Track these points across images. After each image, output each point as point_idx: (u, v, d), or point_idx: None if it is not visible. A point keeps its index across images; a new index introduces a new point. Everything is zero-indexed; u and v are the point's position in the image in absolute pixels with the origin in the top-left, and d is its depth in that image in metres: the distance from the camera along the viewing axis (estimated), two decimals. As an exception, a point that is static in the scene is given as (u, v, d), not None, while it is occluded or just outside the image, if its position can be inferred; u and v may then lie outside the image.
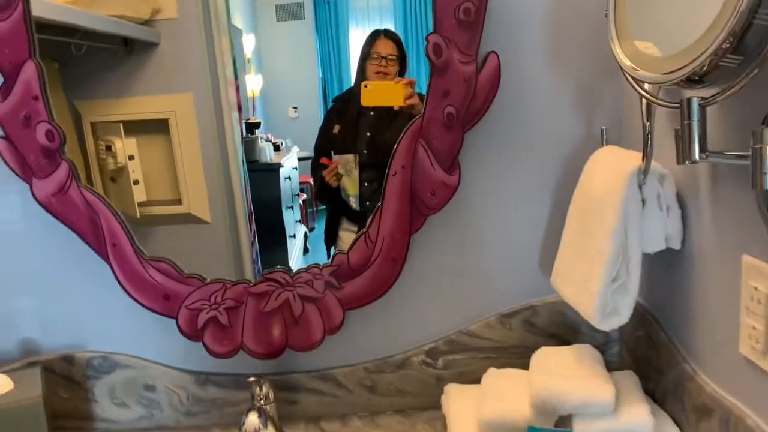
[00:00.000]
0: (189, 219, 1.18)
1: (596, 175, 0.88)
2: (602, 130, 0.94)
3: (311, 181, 1.33)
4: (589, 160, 0.92)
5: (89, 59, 1.08)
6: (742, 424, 0.70)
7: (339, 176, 1.14)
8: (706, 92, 0.63)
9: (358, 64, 1.11)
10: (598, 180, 0.87)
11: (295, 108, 1.36)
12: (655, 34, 0.70)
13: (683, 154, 0.66)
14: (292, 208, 1.36)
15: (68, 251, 1.02)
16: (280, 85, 1.37)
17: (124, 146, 1.18)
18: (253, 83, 1.33)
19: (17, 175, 0.97)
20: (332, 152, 1.15)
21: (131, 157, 1.20)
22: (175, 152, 1.20)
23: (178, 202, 1.21)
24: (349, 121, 1.13)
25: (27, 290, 1.06)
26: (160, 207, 1.15)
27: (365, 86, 1.07)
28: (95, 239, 0.99)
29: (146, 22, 1.16)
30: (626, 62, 0.71)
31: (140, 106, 1.19)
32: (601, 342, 1.05)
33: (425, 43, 0.94)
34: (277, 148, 1.33)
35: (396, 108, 1.05)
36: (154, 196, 1.15)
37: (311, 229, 1.39)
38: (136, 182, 1.18)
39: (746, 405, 0.71)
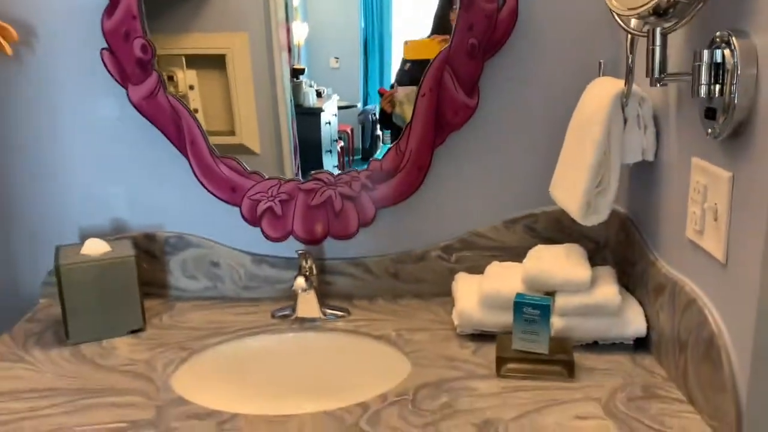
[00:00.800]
0: (240, 149, 1.32)
1: (589, 98, 1.06)
2: (600, 63, 1.11)
3: (348, 129, 1.46)
4: (587, 87, 1.11)
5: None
6: (682, 292, 0.90)
7: (393, 104, 1.29)
8: (669, 24, 0.81)
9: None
10: (590, 102, 1.05)
11: (337, 58, 1.43)
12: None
13: (650, 76, 0.85)
14: (330, 152, 1.45)
15: (154, 147, 1.24)
16: (323, 34, 1.43)
17: (185, 77, 1.32)
18: (299, 31, 1.40)
19: (117, 81, 1.19)
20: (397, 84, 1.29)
21: (191, 87, 1.33)
22: (230, 86, 1.32)
23: (232, 133, 1.34)
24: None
25: (120, 179, 1.28)
26: (215, 137, 1.28)
27: (406, 43, 1.25)
28: (177, 138, 1.22)
29: None
30: (612, 2, 0.89)
31: (200, 42, 1.31)
32: (591, 248, 1.24)
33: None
34: (319, 94, 1.42)
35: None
36: (211, 126, 1.27)
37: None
38: (195, 110, 1.32)
39: (687, 276, 0.91)
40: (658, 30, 0.81)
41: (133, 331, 1.18)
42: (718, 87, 0.75)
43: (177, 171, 1.25)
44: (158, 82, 1.19)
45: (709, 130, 0.78)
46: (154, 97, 1.19)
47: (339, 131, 1.45)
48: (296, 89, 1.39)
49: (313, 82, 1.41)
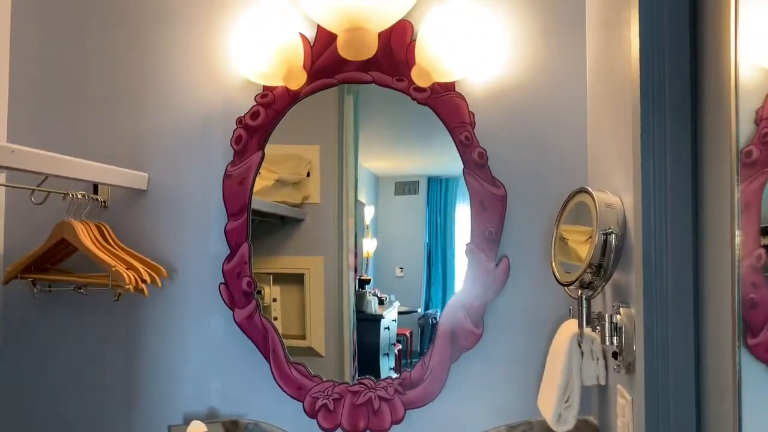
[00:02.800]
0: (309, 352, 1.64)
1: (558, 335, 1.46)
2: (570, 309, 1.52)
3: (408, 333, 1.71)
4: (561, 326, 1.51)
5: (257, 227, 1.65)
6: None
7: None
8: (590, 293, 1.24)
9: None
10: (559, 338, 1.45)
11: (402, 268, 1.68)
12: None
13: (582, 328, 1.26)
14: (387, 355, 1.68)
15: (246, 354, 1.69)
16: (391, 247, 1.67)
17: (271, 291, 1.74)
18: (369, 245, 1.68)
19: (227, 305, 1.69)
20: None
21: (275, 299, 1.74)
22: (305, 299, 1.68)
23: (303, 337, 1.67)
24: None
25: (219, 376, 1.73)
26: (289, 340, 1.61)
27: None
28: (264, 347, 1.67)
29: (298, 205, 1.74)
30: (557, 275, 1.33)
31: (286, 263, 1.70)
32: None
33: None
34: (381, 302, 1.65)
35: None
36: (287, 331, 1.62)
37: (404, 379, 1.67)
38: (275, 318, 1.73)
39: None
40: (583, 296, 1.24)
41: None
42: (616, 338, 1.15)
43: (260, 372, 1.68)
44: (255, 307, 1.68)
45: (614, 367, 1.17)
46: (251, 318, 1.68)
47: (398, 334, 1.65)
48: (360, 298, 1.66)
49: (377, 290, 1.65)
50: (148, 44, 1.79)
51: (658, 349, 1.01)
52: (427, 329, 1.69)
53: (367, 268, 1.67)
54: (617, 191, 1.24)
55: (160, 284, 1.64)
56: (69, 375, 1.77)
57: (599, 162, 1.45)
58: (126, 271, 1.55)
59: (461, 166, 1.60)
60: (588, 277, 1.20)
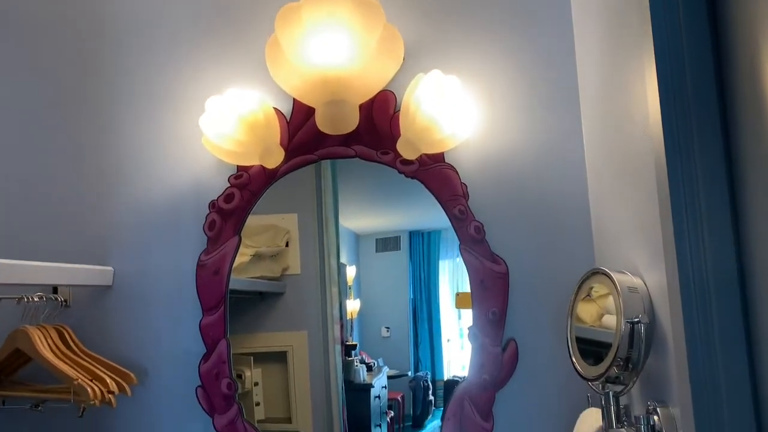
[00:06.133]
0: None
1: (580, 430, 1.31)
2: (588, 397, 1.38)
3: (399, 397, 1.58)
4: (580, 416, 1.36)
5: (234, 304, 1.50)
6: None
7: None
8: (619, 388, 1.10)
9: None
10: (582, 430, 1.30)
11: (387, 328, 1.62)
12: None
13: (607, 424, 1.11)
14: (380, 426, 1.58)
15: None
16: (375, 307, 1.63)
17: (252, 375, 1.60)
18: (352, 306, 1.62)
19: (205, 411, 1.51)
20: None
21: (256, 384, 1.63)
22: (289, 378, 1.56)
23: (288, 420, 1.54)
24: None
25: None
26: (273, 424, 1.48)
27: (457, 295, 1.54)
28: (249, 457, 1.50)
29: (277, 278, 1.61)
30: (579, 369, 1.19)
31: (267, 341, 1.58)
32: None
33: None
34: (369, 368, 1.57)
35: None
36: (270, 414, 1.48)
37: (398, 448, 1.60)
38: (257, 404, 1.58)
39: None
40: (611, 393, 1.10)
41: None
42: (655, 444, 1.00)
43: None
44: (238, 412, 1.50)
45: (657, 477, 1.02)
46: (234, 425, 1.50)
47: (389, 399, 1.57)
48: (348, 367, 1.57)
49: (364, 356, 1.57)
50: (112, 124, 1.65)
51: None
52: (419, 392, 1.60)
53: (351, 331, 1.61)
54: (637, 271, 1.11)
55: (129, 393, 1.46)
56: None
57: (609, 237, 1.33)
58: (90, 382, 1.37)
59: (443, 219, 1.48)
60: (615, 372, 1.06)
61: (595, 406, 1.35)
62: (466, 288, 1.47)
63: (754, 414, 0.87)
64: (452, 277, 1.65)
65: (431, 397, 1.58)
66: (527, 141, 1.53)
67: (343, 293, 1.59)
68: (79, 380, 1.35)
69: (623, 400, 1.13)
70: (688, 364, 0.89)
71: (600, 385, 1.13)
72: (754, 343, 0.87)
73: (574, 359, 1.20)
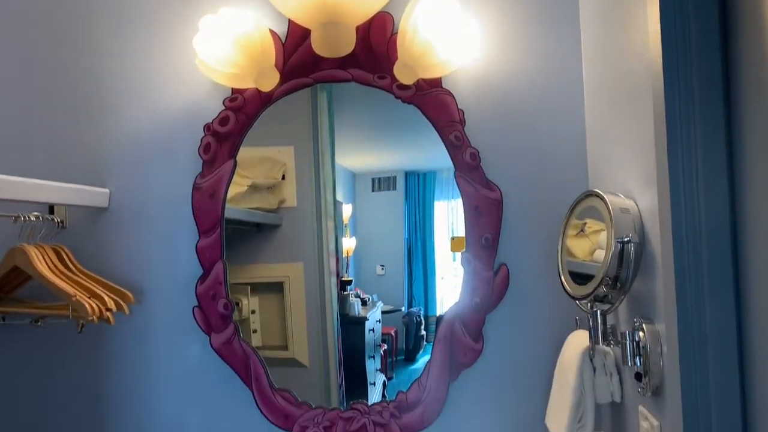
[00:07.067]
0: (292, 363, 1.54)
1: (567, 349, 1.35)
2: (576, 319, 1.41)
3: (392, 332, 1.62)
4: (567, 337, 1.39)
5: (232, 235, 1.52)
6: None
7: None
8: (606, 307, 1.12)
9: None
10: (568, 352, 1.34)
11: (382, 266, 1.63)
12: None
13: (591, 341, 1.14)
14: (373, 357, 1.60)
15: (227, 382, 1.55)
16: (370, 245, 1.62)
17: (249, 303, 1.61)
18: (348, 244, 1.63)
19: (203, 330, 1.54)
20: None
21: (253, 311, 1.62)
22: (286, 308, 1.57)
23: (285, 348, 1.56)
24: None
25: (196, 407, 1.58)
26: (270, 351, 1.50)
27: (453, 239, 1.54)
28: (245, 375, 1.53)
29: (274, 210, 1.61)
30: (568, 288, 1.22)
31: (264, 272, 1.59)
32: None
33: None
34: (364, 303, 1.59)
35: None
36: (267, 342, 1.51)
37: (389, 378, 1.63)
38: (254, 331, 1.60)
39: None
40: (598, 311, 1.13)
41: None
42: (639, 358, 1.03)
43: (242, 401, 1.54)
44: (234, 331, 1.54)
45: (639, 390, 1.05)
46: (230, 344, 1.53)
47: (383, 334, 1.59)
48: (343, 301, 1.59)
49: (359, 291, 1.58)
50: (105, 46, 1.62)
51: (697, 371, 0.90)
52: (412, 327, 1.63)
53: (347, 268, 1.61)
54: (630, 193, 1.12)
55: (127, 311, 1.48)
56: (28, 421, 1.61)
57: (604, 161, 1.34)
58: (88, 299, 1.39)
59: (439, 159, 1.48)
60: (603, 291, 1.08)
61: (583, 329, 1.39)
62: (461, 230, 1.48)
63: (737, 327, 0.89)
64: (447, 217, 1.66)
65: (423, 332, 1.60)
66: (525, 66, 1.51)
67: (339, 229, 1.59)
68: (77, 296, 1.37)
69: (610, 320, 1.16)
70: (674, 280, 0.91)
71: (588, 305, 1.16)
72: (740, 262, 0.89)
73: (563, 278, 1.22)
